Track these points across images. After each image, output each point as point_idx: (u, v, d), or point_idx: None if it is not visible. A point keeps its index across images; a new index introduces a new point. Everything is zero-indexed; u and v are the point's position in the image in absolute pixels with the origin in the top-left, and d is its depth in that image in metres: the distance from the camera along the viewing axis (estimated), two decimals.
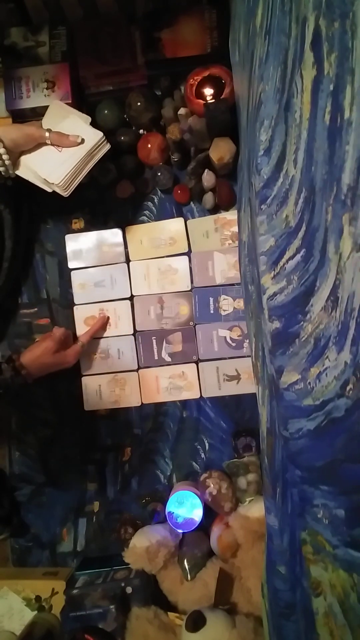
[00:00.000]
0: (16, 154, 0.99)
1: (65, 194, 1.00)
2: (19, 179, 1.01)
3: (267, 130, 0.54)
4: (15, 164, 1.00)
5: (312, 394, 0.52)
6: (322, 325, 0.50)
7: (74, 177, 0.98)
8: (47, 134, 0.97)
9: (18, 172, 1.01)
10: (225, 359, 1.18)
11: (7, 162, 0.97)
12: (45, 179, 0.98)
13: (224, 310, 1.17)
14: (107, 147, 1.01)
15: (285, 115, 0.51)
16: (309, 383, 0.52)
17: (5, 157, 0.95)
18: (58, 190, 0.99)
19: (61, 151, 0.99)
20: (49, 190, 1.01)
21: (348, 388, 0.48)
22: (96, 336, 1.20)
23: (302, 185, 0.50)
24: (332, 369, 0.49)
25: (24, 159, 1.00)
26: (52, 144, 0.99)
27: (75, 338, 1.18)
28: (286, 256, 0.53)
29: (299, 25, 0.47)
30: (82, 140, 0.98)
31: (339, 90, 0.40)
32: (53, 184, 0.98)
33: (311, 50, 0.45)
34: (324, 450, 0.52)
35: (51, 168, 0.98)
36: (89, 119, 1.02)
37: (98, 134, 0.99)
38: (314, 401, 0.52)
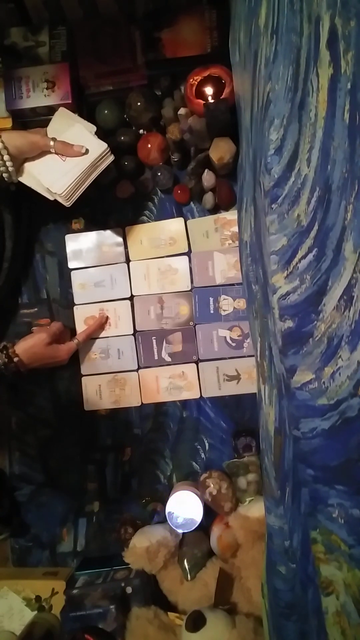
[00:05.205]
0: (20, 160, 0.99)
1: (67, 204, 0.99)
2: (21, 182, 1.01)
3: (278, 129, 0.54)
4: (19, 170, 1.00)
5: (326, 393, 0.52)
6: (335, 325, 0.50)
7: (77, 187, 0.98)
8: (51, 143, 0.97)
9: (21, 179, 1.00)
10: (225, 359, 1.18)
11: (10, 169, 0.97)
12: (48, 188, 0.98)
13: (224, 310, 1.17)
14: (111, 158, 1.01)
15: (300, 114, 0.51)
16: (324, 382, 0.52)
17: (9, 163, 0.96)
18: (60, 200, 0.99)
19: (65, 160, 0.98)
20: (51, 198, 1.01)
21: None
22: (94, 336, 1.20)
23: (316, 184, 0.50)
24: (345, 369, 0.50)
25: (27, 166, 1.00)
26: (56, 153, 0.99)
27: (73, 337, 1.18)
28: (299, 255, 0.53)
29: (311, 24, 0.48)
30: (87, 151, 0.98)
31: (356, 89, 0.41)
32: (56, 193, 0.98)
33: (327, 49, 0.45)
34: (338, 450, 0.52)
35: (54, 177, 0.98)
36: (94, 128, 1.02)
37: (102, 145, 0.99)
38: (329, 400, 0.52)
